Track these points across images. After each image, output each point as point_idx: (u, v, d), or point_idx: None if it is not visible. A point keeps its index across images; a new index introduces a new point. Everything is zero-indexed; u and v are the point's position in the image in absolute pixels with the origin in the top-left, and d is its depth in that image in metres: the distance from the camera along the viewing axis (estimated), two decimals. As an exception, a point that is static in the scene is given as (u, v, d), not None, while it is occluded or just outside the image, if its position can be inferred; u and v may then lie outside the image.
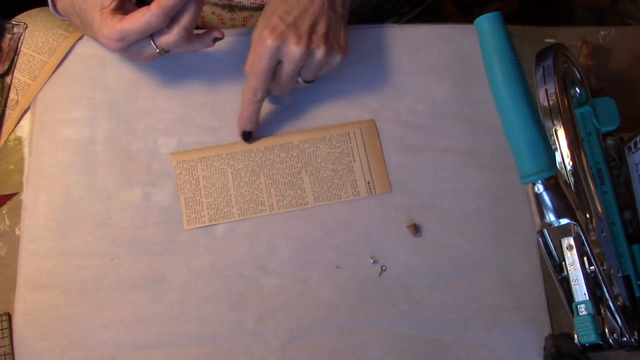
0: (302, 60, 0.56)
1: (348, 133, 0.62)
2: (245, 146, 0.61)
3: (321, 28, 0.57)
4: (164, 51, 0.56)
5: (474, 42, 0.62)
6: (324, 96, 0.63)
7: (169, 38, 0.55)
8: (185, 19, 0.54)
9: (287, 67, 0.57)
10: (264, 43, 0.55)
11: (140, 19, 0.52)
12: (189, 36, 0.55)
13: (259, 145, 0.61)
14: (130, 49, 0.56)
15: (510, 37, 0.57)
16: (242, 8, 0.70)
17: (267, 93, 0.59)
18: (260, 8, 0.69)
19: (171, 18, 0.53)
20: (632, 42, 0.68)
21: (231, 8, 0.70)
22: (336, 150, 0.61)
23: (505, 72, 0.55)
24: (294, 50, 0.55)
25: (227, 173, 0.60)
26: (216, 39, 0.57)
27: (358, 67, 0.64)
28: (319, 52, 0.56)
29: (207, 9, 0.71)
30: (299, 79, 0.59)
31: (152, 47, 0.56)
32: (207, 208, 0.59)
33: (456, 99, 0.64)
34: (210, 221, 0.59)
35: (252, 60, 0.57)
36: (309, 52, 0.56)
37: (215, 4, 0.70)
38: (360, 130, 0.62)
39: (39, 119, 0.62)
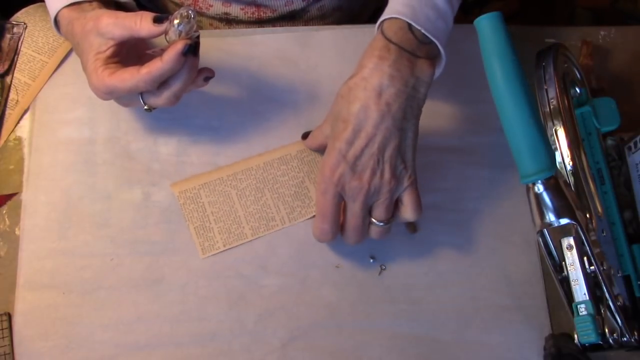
0: (366, 201, 0.52)
1: None
2: (245, 165, 0.60)
3: (390, 154, 0.52)
4: (153, 108, 0.55)
5: (474, 42, 0.61)
6: (324, 96, 0.63)
7: (157, 101, 0.54)
8: (176, 86, 0.53)
9: (354, 208, 0.53)
10: (327, 184, 0.52)
11: (128, 79, 0.51)
12: (177, 100, 0.54)
13: (258, 161, 0.60)
14: (118, 100, 0.55)
15: (510, 37, 0.57)
16: (239, 22, 0.70)
17: (338, 233, 0.55)
18: (257, 21, 0.69)
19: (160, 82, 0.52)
20: (632, 42, 0.68)
21: (228, 21, 0.70)
22: None
23: (505, 72, 0.55)
24: (357, 194, 0.52)
25: (232, 195, 0.59)
26: (208, 78, 0.56)
27: (358, 67, 0.64)
28: (385, 188, 0.52)
29: (204, 21, 0.71)
30: (374, 220, 0.54)
31: (140, 103, 0.54)
32: (219, 233, 0.58)
33: (456, 99, 0.64)
34: (224, 246, 0.58)
35: (318, 196, 0.54)
36: (370, 192, 0.52)
37: (213, 17, 0.70)
38: None
39: (39, 119, 0.62)
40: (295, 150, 0.61)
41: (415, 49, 0.52)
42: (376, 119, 0.51)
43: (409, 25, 0.52)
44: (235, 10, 0.68)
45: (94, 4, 0.56)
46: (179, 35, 0.51)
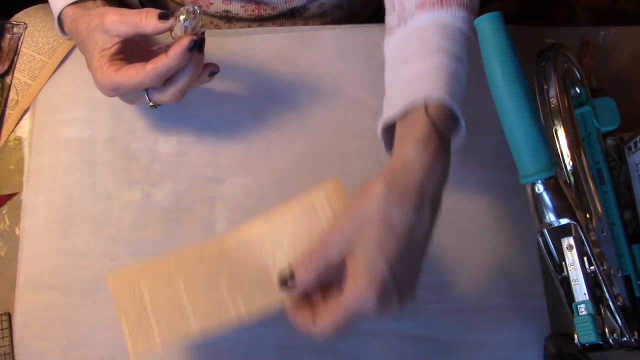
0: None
1: (315, 207, 0.49)
2: (197, 252, 0.49)
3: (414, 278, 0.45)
4: (158, 104, 0.55)
5: (474, 42, 0.61)
6: (324, 96, 0.63)
7: (163, 97, 0.54)
8: (182, 82, 0.52)
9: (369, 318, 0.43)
10: (364, 305, 0.42)
11: (134, 76, 0.51)
12: (183, 96, 0.54)
13: (213, 249, 0.49)
14: (123, 97, 0.55)
15: (510, 37, 0.57)
16: (240, 19, 0.70)
17: None
18: (257, 19, 0.69)
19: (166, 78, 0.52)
20: (632, 42, 0.68)
21: (229, 19, 0.70)
22: (303, 231, 0.49)
23: (505, 72, 0.55)
24: (393, 313, 0.43)
25: (179, 284, 0.48)
26: (213, 73, 0.56)
27: (358, 67, 0.64)
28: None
29: (205, 19, 0.71)
30: None
31: (145, 99, 0.54)
32: (157, 326, 0.48)
33: (456, 99, 0.64)
34: (162, 341, 0.47)
35: (337, 304, 0.43)
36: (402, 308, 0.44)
37: (213, 15, 0.70)
38: (325, 197, 0.49)
39: (39, 119, 0.62)
40: (256, 233, 0.50)
41: (448, 134, 0.47)
42: (428, 227, 0.44)
43: (452, 110, 0.47)
44: (236, 7, 0.68)
45: (98, 1, 0.56)
46: (185, 31, 0.51)
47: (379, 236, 0.43)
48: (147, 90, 0.53)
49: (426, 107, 0.47)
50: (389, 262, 0.42)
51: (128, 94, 0.54)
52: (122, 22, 0.51)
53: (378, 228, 0.43)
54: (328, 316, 0.43)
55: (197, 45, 0.51)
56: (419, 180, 0.44)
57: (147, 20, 0.51)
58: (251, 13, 0.68)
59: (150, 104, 0.55)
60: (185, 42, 0.50)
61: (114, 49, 0.52)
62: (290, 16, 0.71)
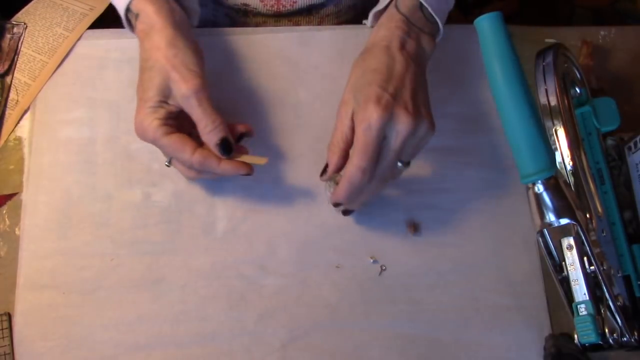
0: (410, 134, 0.51)
1: None
2: None
3: (421, 97, 0.53)
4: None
5: (474, 42, 0.62)
6: (324, 96, 0.63)
7: (182, 170, 0.56)
8: (207, 176, 0.56)
9: (395, 143, 0.51)
10: (371, 116, 0.49)
11: (179, 150, 0.52)
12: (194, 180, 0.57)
13: None
14: (146, 141, 0.55)
15: (510, 37, 0.57)
16: (257, 14, 0.70)
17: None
18: (275, 15, 0.69)
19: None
20: (632, 42, 0.68)
21: (246, 13, 0.70)
22: None
23: (505, 72, 0.55)
24: (404, 121, 0.50)
25: None
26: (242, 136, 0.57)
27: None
28: (425, 124, 0.52)
29: (220, 10, 0.71)
30: (398, 163, 0.54)
31: (166, 159, 0.57)
32: None
33: (456, 99, 0.64)
34: None
35: (356, 139, 0.51)
36: (416, 123, 0.51)
37: (231, 8, 0.70)
38: None
39: (39, 119, 0.62)
40: None
41: (423, 26, 0.56)
42: (404, 64, 0.53)
43: (421, 4, 0.56)
44: (255, 1, 0.67)
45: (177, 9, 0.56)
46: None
47: (362, 80, 0.52)
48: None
49: (395, 3, 0.57)
50: (377, 85, 0.51)
51: (160, 150, 0.55)
52: (189, 105, 0.52)
53: (359, 77, 0.53)
54: (356, 156, 0.50)
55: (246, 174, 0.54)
56: (383, 40, 0.55)
57: (208, 134, 0.53)
58: (270, 8, 0.68)
59: (166, 163, 0.57)
60: (243, 170, 0.54)
61: (169, 111, 0.53)
62: (307, 13, 0.71)
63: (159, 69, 0.52)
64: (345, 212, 0.58)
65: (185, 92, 0.51)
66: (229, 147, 0.53)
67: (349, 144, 0.53)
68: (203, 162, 0.53)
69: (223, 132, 0.53)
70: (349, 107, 0.52)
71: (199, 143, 0.54)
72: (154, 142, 0.53)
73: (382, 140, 0.50)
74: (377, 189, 0.54)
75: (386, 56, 0.53)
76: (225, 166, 0.53)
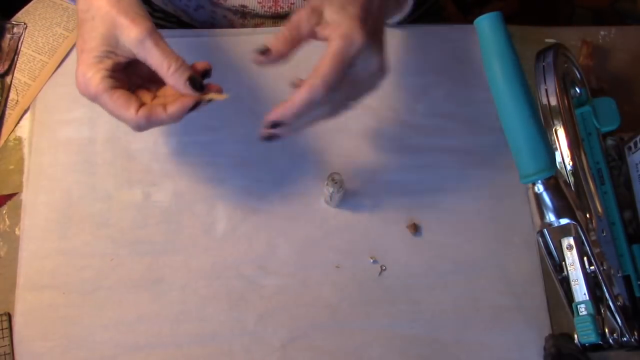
0: (377, 75, 0.50)
1: None
2: None
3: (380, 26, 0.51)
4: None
5: (474, 42, 0.62)
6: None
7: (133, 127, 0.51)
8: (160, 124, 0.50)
9: (361, 75, 0.49)
10: (355, 36, 0.47)
11: (121, 109, 0.48)
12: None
13: None
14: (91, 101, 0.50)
15: (510, 37, 0.57)
16: (255, 15, 0.70)
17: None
18: (273, 16, 0.69)
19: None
20: (632, 42, 0.68)
21: (244, 15, 0.70)
22: None
23: (505, 72, 0.55)
24: (377, 60, 0.49)
25: None
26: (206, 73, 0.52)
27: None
28: (385, 70, 0.50)
29: (219, 12, 0.71)
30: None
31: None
32: None
33: (456, 99, 0.64)
34: None
35: (330, 51, 0.48)
36: (383, 67, 0.50)
37: (228, 9, 0.70)
38: None
39: (39, 119, 0.62)
40: None
41: None
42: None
43: None
44: (253, 3, 0.67)
45: None
46: (331, 198, 0.57)
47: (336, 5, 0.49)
48: None
49: None
50: (362, 6, 0.48)
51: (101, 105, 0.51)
52: (144, 49, 0.47)
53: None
54: (326, 67, 0.47)
55: (195, 106, 0.49)
56: None
57: (172, 75, 0.48)
58: (267, 10, 0.68)
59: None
60: (189, 103, 0.49)
61: (115, 62, 0.49)
62: None
63: (102, 16, 0.47)
64: (271, 137, 0.51)
65: (138, 35, 0.47)
66: (199, 83, 0.49)
67: (298, 42, 0.50)
68: (149, 116, 0.48)
69: (189, 69, 0.49)
70: (318, 10, 0.49)
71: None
72: (95, 97, 0.48)
73: (349, 65, 0.48)
74: (318, 120, 0.51)
75: None
76: (172, 109, 0.49)
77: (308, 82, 0.48)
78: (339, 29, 0.48)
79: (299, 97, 0.48)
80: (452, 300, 0.58)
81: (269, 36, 0.49)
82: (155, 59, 0.48)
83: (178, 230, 0.59)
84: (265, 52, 0.49)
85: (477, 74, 0.64)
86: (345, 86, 0.49)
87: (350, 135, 0.63)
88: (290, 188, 0.61)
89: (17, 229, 0.58)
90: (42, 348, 0.55)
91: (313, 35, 0.50)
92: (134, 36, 0.47)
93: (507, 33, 0.56)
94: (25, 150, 0.61)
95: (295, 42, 0.50)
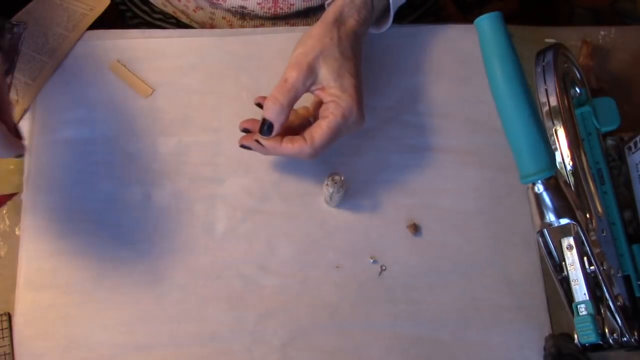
0: (360, 123, 0.56)
1: None
2: None
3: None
4: None
5: (474, 42, 0.61)
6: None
7: None
8: None
9: (340, 136, 0.56)
10: (351, 109, 0.54)
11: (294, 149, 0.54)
12: None
13: None
14: None
15: (510, 37, 0.57)
16: (254, 16, 0.70)
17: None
18: (272, 17, 0.69)
19: None
20: (632, 42, 0.68)
21: (243, 16, 0.70)
22: None
23: (505, 72, 0.55)
24: (360, 126, 0.56)
25: None
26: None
27: (358, 67, 0.64)
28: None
29: (218, 13, 0.71)
30: None
31: None
32: None
33: (456, 99, 0.64)
34: None
35: (329, 118, 0.54)
36: (362, 126, 0.57)
37: (228, 10, 0.70)
38: None
39: (39, 119, 0.62)
40: None
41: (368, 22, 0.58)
42: (359, 57, 0.56)
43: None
44: (252, 4, 0.67)
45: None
46: (331, 198, 0.58)
47: (337, 61, 0.54)
48: None
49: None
50: (352, 75, 0.54)
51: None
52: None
53: (334, 52, 0.54)
54: (321, 138, 0.53)
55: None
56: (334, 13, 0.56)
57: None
58: (267, 11, 0.68)
59: None
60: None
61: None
62: (304, 16, 0.71)
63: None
64: (245, 146, 0.57)
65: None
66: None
67: (293, 103, 0.54)
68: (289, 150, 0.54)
69: None
70: (313, 71, 0.53)
71: None
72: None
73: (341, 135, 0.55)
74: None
75: (355, 42, 0.56)
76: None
77: (299, 143, 0.53)
78: (339, 108, 0.53)
79: (286, 149, 0.54)
80: (452, 300, 0.58)
81: (268, 105, 0.53)
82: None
83: (178, 230, 0.59)
84: (270, 129, 0.54)
85: (477, 74, 0.64)
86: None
87: (350, 135, 0.62)
88: (290, 188, 0.61)
89: (17, 229, 0.58)
90: (42, 348, 0.55)
91: (307, 91, 0.55)
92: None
93: (507, 33, 0.56)
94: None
95: (291, 106, 0.54)
